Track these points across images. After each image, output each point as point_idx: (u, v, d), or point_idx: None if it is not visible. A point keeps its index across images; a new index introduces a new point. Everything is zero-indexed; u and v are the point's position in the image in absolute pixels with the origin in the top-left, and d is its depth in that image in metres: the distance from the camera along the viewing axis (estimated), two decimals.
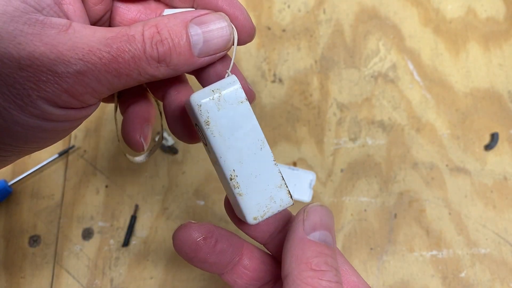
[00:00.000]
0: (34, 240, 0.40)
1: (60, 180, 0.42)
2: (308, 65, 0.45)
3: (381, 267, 0.39)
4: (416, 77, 0.45)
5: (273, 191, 0.22)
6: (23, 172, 0.41)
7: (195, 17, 0.22)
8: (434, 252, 0.39)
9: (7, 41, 0.19)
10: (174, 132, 0.26)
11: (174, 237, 0.24)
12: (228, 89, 0.21)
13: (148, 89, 0.28)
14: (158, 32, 0.21)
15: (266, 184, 0.22)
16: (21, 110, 0.20)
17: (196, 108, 0.21)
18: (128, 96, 0.28)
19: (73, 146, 0.43)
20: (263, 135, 0.22)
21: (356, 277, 0.23)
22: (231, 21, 0.23)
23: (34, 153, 0.43)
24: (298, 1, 0.48)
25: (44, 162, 0.41)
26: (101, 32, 0.21)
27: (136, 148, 0.27)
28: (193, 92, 0.26)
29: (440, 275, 0.39)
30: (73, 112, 0.21)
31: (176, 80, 0.26)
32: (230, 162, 0.21)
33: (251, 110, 0.22)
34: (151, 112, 0.28)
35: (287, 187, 0.22)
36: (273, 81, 0.45)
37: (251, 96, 0.25)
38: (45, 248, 0.40)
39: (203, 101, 0.21)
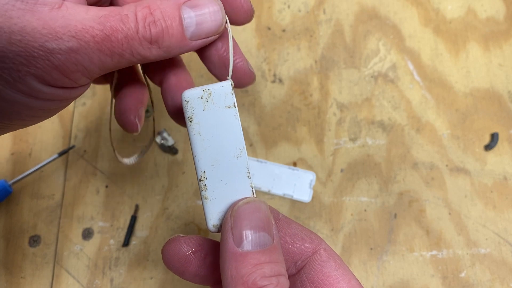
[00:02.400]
0: (34, 240, 0.40)
1: (60, 180, 0.42)
2: (308, 65, 0.45)
3: (381, 267, 0.39)
4: (416, 77, 0.45)
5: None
6: (23, 172, 0.41)
7: (188, 0, 0.22)
8: (434, 252, 0.39)
9: None
10: (174, 117, 0.26)
11: (163, 251, 0.23)
12: (219, 92, 0.22)
13: (145, 75, 0.28)
14: (151, 13, 0.21)
15: (233, 194, 0.21)
16: (8, 85, 0.19)
17: (184, 103, 0.22)
18: (121, 79, 0.28)
19: (73, 146, 0.43)
20: (243, 144, 0.21)
21: (346, 284, 0.21)
22: (230, 1, 0.24)
23: (34, 153, 0.43)
24: (298, 1, 0.48)
25: (44, 162, 0.41)
26: (94, 11, 0.20)
27: (131, 129, 0.27)
28: (190, 77, 0.26)
29: (440, 275, 0.39)
30: (62, 91, 0.21)
31: (174, 65, 0.26)
32: (203, 163, 0.21)
33: (237, 116, 0.22)
34: (144, 94, 0.28)
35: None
36: (273, 81, 0.45)
37: (251, 77, 0.25)
38: (45, 248, 0.40)
39: (191, 98, 0.22)
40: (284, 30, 0.47)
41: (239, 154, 0.21)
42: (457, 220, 0.40)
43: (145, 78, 0.29)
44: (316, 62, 0.45)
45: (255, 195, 0.22)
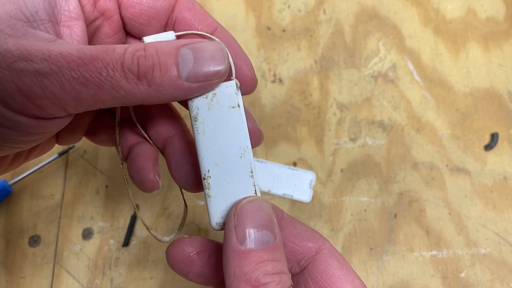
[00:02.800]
0: (34, 240, 0.40)
1: (60, 180, 0.42)
2: (308, 65, 0.45)
3: (381, 267, 0.39)
4: (416, 77, 0.45)
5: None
6: (23, 172, 0.41)
7: (189, 43, 0.21)
8: (434, 252, 0.39)
9: None
10: (178, 179, 0.25)
11: (167, 253, 0.23)
12: (223, 92, 0.22)
13: (148, 137, 0.26)
14: (144, 49, 0.20)
15: (236, 193, 0.21)
16: None
17: (189, 103, 0.22)
18: (128, 139, 0.27)
19: (73, 146, 0.43)
20: (248, 144, 0.21)
21: (349, 283, 0.21)
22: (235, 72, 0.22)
23: None
24: (298, 1, 0.48)
25: (44, 162, 0.41)
26: (84, 45, 0.19)
27: (151, 187, 0.26)
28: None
29: (440, 275, 0.39)
30: (28, 120, 0.19)
31: (179, 127, 0.25)
32: (207, 162, 0.21)
33: (242, 116, 0.22)
34: (155, 151, 0.27)
35: None
36: (273, 81, 0.45)
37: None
38: (45, 248, 0.40)
39: (197, 97, 0.22)
40: (284, 30, 0.47)
41: (243, 154, 0.21)
42: (457, 220, 0.40)
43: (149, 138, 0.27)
44: (316, 62, 0.45)
45: (259, 194, 0.22)
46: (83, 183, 0.42)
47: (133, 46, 0.20)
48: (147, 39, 0.23)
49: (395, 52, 0.46)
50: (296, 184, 0.41)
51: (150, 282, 0.39)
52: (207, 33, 0.24)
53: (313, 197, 0.41)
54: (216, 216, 0.22)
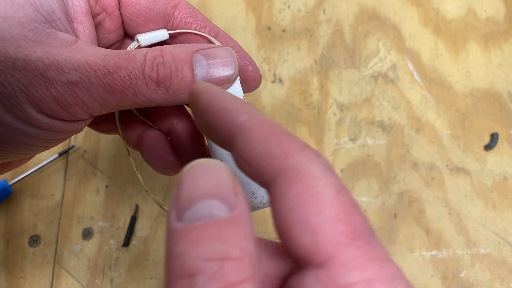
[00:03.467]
0: (34, 240, 0.40)
1: (61, 180, 0.42)
2: (308, 65, 0.45)
3: None
4: (416, 77, 0.45)
5: (255, 187, 0.22)
6: (23, 172, 0.41)
7: (202, 49, 0.22)
8: (434, 252, 0.40)
9: (8, 42, 0.19)
10: (186, 163, 0.25)
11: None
12: (230, 88, 0.23)
13: (153, 125, 0.27)
14: (162, 56, 0.21)
15: (249, 179, 0.22)
16: (6, 109, 0.19)
17: None
18: (135, 128, 0.27)
19: (73, 146, 0.43)
20: None
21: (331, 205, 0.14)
22: (240, 72, 0.23)
23: None
24: (298, 1, 0.48)
25: (44, 162, 0.42)
26: (104, 51, 0.20)
27: (174, 169, 0.26)
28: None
29: (440, 275, 0.39)
30: (59, 123, 0.21)
31: (181, 113, 0.26)
32: (218, 152, 0.23)
33: None
34: (166, 137, 0.27)
35: None
36: (273, 81, 0.45)
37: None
38: (45, 248, 0.40)
39: None
40: (284, 30, 0.47)
41: None
42: (457, 220, 0.40)
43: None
44: (316, 62, 0.46)
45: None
46: (83, 183, 0.42)
47: (151, 52, 0.21)
48: (140, 36, 0.24)
49: (395, 52, 0.46)
50: None
51: (150, 282, 0.39)
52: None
53: None
54: None
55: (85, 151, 0.43)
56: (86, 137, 0.43)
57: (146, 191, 0.28)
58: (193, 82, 0.21)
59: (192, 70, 0.21)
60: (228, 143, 0.16)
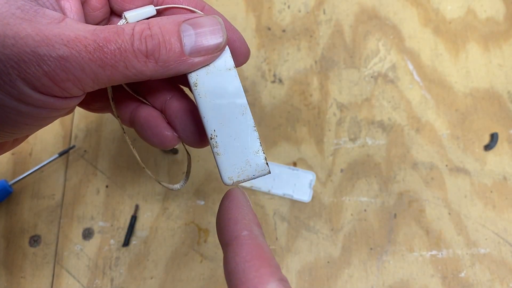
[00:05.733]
0: (35, 240, 0.40)
1: (61, 180, 0.42)
2: (308, 65, 0.45)
3: (381, 267, 0.39)
4: (416, 77, 0.45)
5: (249, 156, 0.23)
6: (23, 172, 0.41)
7: (189, 19, 0.22)
8: (434, 252, 0.40)
9: None
10: (186, 139, 0.26)
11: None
12: (220, 56, 0.23)
13: (147, 101, 0.27)
14: (149, 28, 0.21)
15: (243, 147, 0.23)
16: None
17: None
18: (128, 105, 0.27)
19: (73, 146, 0.43)
20: (246, 102, 0.23)
21: None
22: (228, 45, 0.24)
23: (35, 153, 0.43)
24: (298, 2, 0.48)
25: (45, 162, 0.42)
26: (92, 26, 0.20)
27: (172, 143, 0.26)
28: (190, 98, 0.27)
29: (440, 275, 0.39)
30: (52, 99, 0.21)
31: (174, 88, 0.26)
32: (211, 122, 0.23)
33: (237, 77, 0.23)
34: (159, 111, 0.27)
35: (264, 153, 0.23)
36: (273, 81, 0.45)
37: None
38: (46, 248, 0.40)
39: None
40: (284, 31, 0.47)
41: (244, 111, 0.23)
42: (457, 220, 0.40)
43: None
44: (316, 62, 0.46)
45: (262, 147, 0.23)
46: (83, 183, 0.42)
47: (138, 25, 0.21)
48: (128, 13, 0.24)
49: (395, 52, 0.46)
50: (296, 184, 0.41)
51: (150, 282, 0.39)
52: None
53: (313, 197, 0.41)
54: (228, 171, 0.23)
55: (85, 151, 0.43)
56: (86, 137, 0.43)
57: (143, 168, 0.28)
58: (182, 53, 0.22)
59: (180, 40, 0.21)
60: (223, 245, 0.20)
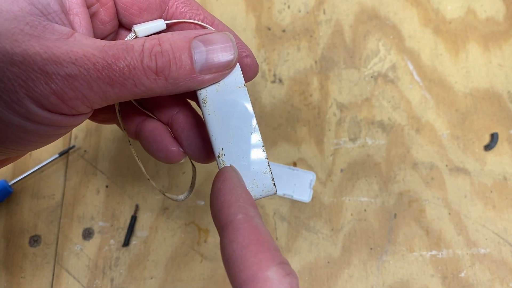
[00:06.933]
0: (35, 240, 0.40)
1: (61, 180, 0.42)
2: (308, 65, 0.45)
3: (381, 267, 0.39)
4: (416, 77, 0.45)
5: (257, 176, 0.23)
6: (23, 172, 0.41)
7: (200, 35, 0.22)
8: (434, 252, 0.40)
9: (4, 37, 0.19)
10: (192, 155, 0.26)
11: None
12: (230, 73, 0.23)
13: (154, 116, 0.27)
14: (159, 44, 0.20)
15: (251, 167, 0.23)
16: (5, 105, 0.19)
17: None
18: (134, 119, 0.27)
19: (73, 146, 0.43)
20: (255, 121, 0.23)
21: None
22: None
23: (35, 153, 0.43)
24: (298, 2, 0.48)
25: (45, 162, 0.42)
26: (101, 42, 0.20)
27: (177, 158, 0.26)
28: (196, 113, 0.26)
29: (440, 275, 0.39)
30: (60, 117, 0.21)
31: (181, 103, 0.26)
32: (219, 140, 0.23)
33: (248, 95, 0.23)
34: (165, 126, 0.27)
35: (271, 174, 0.23)
36: (273, 81, 0.45)
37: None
38: (46, 248, 0.40)
39: None
40: (284, 31, 0.47)
41: (252, 130, 0.23)
42: (457, 220, 0.40)
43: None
44: (316, 62, 0.46)
45: (270, 167, 0.23)
46: (83, 183, 0.42)
47: (148, 41, 0.21)
48: (137, 27, 0.23)
49: (395, 52, 0.46)
50: (296, 184, 0.41)
51: (150, 282, 0.39)
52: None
53: (313, 197, 0.41)
54: None
55: (85, 151, 0.43)
56: (86, 137, 0.43)
57: (148, 179, 0.28)
58: (193, 71, 0.21)
59: (191, 57, 0.21)
60: (219, 230, 0.20)
